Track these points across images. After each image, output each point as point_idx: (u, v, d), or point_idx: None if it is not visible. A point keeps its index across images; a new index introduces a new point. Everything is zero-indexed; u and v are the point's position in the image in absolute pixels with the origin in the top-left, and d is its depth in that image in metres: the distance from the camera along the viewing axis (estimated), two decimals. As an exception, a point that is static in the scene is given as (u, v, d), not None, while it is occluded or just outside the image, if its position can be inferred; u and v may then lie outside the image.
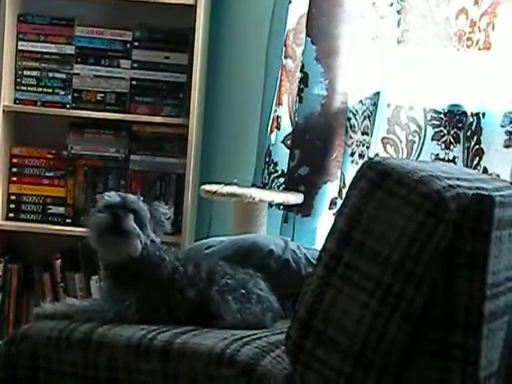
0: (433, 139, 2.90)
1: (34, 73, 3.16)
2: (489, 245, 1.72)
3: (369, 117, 2.97)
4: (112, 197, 2.11)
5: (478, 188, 1.77)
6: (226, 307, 2.09)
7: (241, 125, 3.24)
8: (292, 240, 2.66)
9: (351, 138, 3.00)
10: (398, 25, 2.88)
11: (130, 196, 2.14)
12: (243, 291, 2.14)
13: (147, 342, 1.93)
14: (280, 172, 3.12)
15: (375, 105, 2.92)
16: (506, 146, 2.71)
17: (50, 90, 3.16)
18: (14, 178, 3.18)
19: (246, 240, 2.44)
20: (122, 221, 2.07)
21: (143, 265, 2.12)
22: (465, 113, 2.81)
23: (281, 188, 3.11)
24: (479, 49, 2.78)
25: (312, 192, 3.03)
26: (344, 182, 2.99)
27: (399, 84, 2.89)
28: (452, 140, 2.86)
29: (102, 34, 3.14)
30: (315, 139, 3.03)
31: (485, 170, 2.70)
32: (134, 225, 2.07)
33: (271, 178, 3.13)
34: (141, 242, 2.09)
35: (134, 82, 3.15)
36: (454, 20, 2.84)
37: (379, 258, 1.70)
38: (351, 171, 2.94)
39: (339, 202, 2.97)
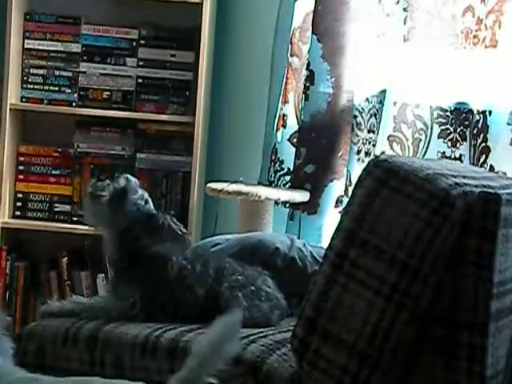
0: (439, 137, 2.89)
1: (41, 71, 3.16)
2: (495, 243, 1.71)
3: (375, 115, 2.96)
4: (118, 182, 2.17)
5: (484, 186, 1.77)
6: (235, 303, 2.10)
7: (247, 123, 3.24)
8: (298, 238, 2.66)
9: (357, 135, 3.00)
10: (405, 22, 2.87)
11: (135, 181, 2.19)
12: (253, 288, 2.15)
13: (153, 340, 1.93)
14: (286, 170, 3.12)
15: (381, 103, 2.92)
16: (513, 144, 2.70)
17: (57, 88, 3.16)
18: (21, 176, 3.18)
19: (252, 238, 2.44)
20: (94, 185, 2.14)
21: (148, 264, 2.12)
22: (471, 111, 2.81)
23: (287, 186, 3.11)
24: (486, 46, 2.78)
25: (318, 190, 3.03)
26: (350, 180, 2.99)
27: (405, 82, 2.88)
28: (458, 138, 2.85)
29: (108, 33, 3.14)
30: (321, 137, 3.03)
31: (491, 168, 2.69)
32: (105, 192, 2.11)
33: (277, 176, 3.13)
34: (113, 216, 2.11)
35: (140, 80, 3.15)
36: (460, 18, 2.83)
37: (385, 255, 1.70)
38: (357, 169, 2.94)
39: (345, 200, 2.96)
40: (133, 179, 2.18)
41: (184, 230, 2.16)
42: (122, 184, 2.14)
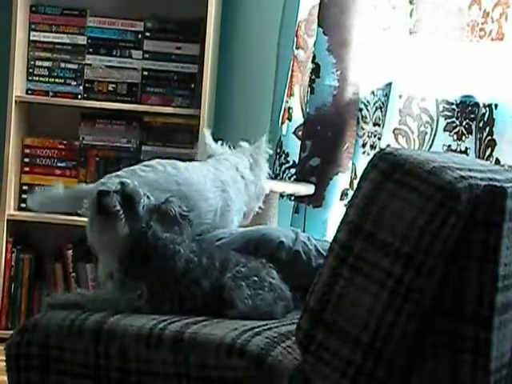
0: (445, 130, 2.89)
1: (46, 63, 3.17)
2: (501, 236, 1.71)
3: (380, 108, 2.96)
4: (110, 183, 2.10)
5: (490, 179, 1.76)
6: (238, 293, 2.10)
7: (252, 116, 3.23)
8: (303, 231, 2.66)
9: (363, 129, 3.00)
10: (411, 15, 2.87)
11: (131, 183, 2.13)
12: (255, 279, 2.14)
13: (158, 332, 1.93)
14: (291, 163, 3.12)
15: (387, 96, 2.92)
16: (519, 138, 2.70)
17: (62, 81, 3.17)
18: (27, 169, 3.19)
19: (257, 232, 2.43)
20: (103, 199, 2.04)
21: (156, 257, 2.12)
22: (477, 104, 2.80)
23: (292, 179, 3.10)
24: (492, 39, 2.77)
25: (323, 183, 3.03)
26: (355, 173, 2.99)
27: (411, 75, 2.88)
28: (464, 131, 2.85)
29: (113, 25, 3.15)
30: (327, 130, 3.03)
31: (497, 161, 2.69)
32: (118, 206, 2.06)
33: (282, 169, 3.13)
34: (128, 224, 2.06)
35: (145, 73, 3.15)
36: (466, 10, 2.83)
37: (390, 249, 1.70)
38: (362, 162, 2.94)
39: (350, 193, 2.96)
40: (129, 183, 2.13)
41: (186, 210, 2.13)
42: (128, 190, 2.08)
